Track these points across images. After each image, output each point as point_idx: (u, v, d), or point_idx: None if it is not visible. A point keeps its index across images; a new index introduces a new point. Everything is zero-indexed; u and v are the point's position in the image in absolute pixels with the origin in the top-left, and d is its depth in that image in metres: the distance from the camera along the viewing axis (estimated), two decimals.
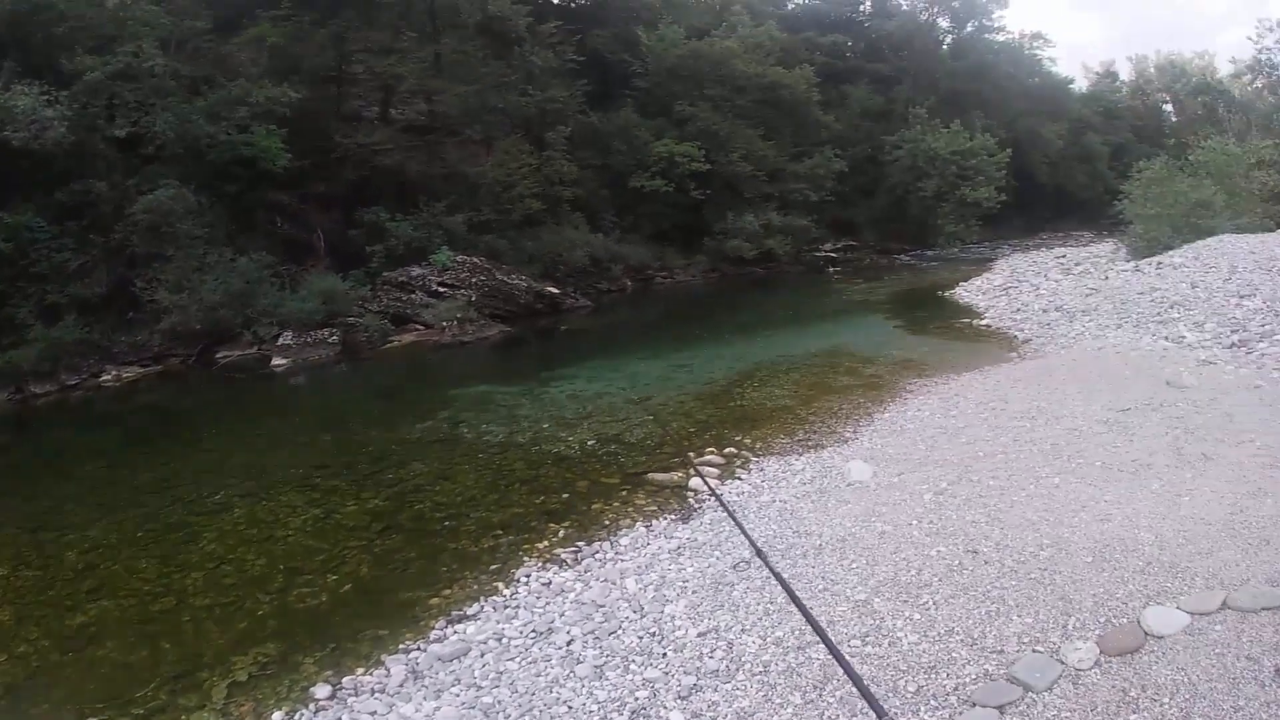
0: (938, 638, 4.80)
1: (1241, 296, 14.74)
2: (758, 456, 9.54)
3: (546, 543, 7.54)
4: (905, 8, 52.93)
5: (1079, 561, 5.46)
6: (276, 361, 18.81)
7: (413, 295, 22.16)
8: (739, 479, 8.68)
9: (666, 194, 31.74)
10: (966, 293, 24.85)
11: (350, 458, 11.09)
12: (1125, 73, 71.32)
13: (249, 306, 19.22)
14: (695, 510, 7.94)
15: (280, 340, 19.45)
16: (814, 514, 7.09)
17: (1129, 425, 8.52)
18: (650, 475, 9.23)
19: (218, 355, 19.14)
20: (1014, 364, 13.84)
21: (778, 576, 3.63)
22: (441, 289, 22.29)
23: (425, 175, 25.80)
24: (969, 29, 54.12)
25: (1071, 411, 9.47)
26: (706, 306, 28.33)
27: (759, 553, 4.17)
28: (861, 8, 53.89)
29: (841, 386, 13.22)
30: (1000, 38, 55.04)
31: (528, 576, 6.78)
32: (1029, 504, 6.64)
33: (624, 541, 7.31)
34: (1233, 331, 12.64)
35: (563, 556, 7.14)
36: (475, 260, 23.49)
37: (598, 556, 7.06)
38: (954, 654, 4.60)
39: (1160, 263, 20.82)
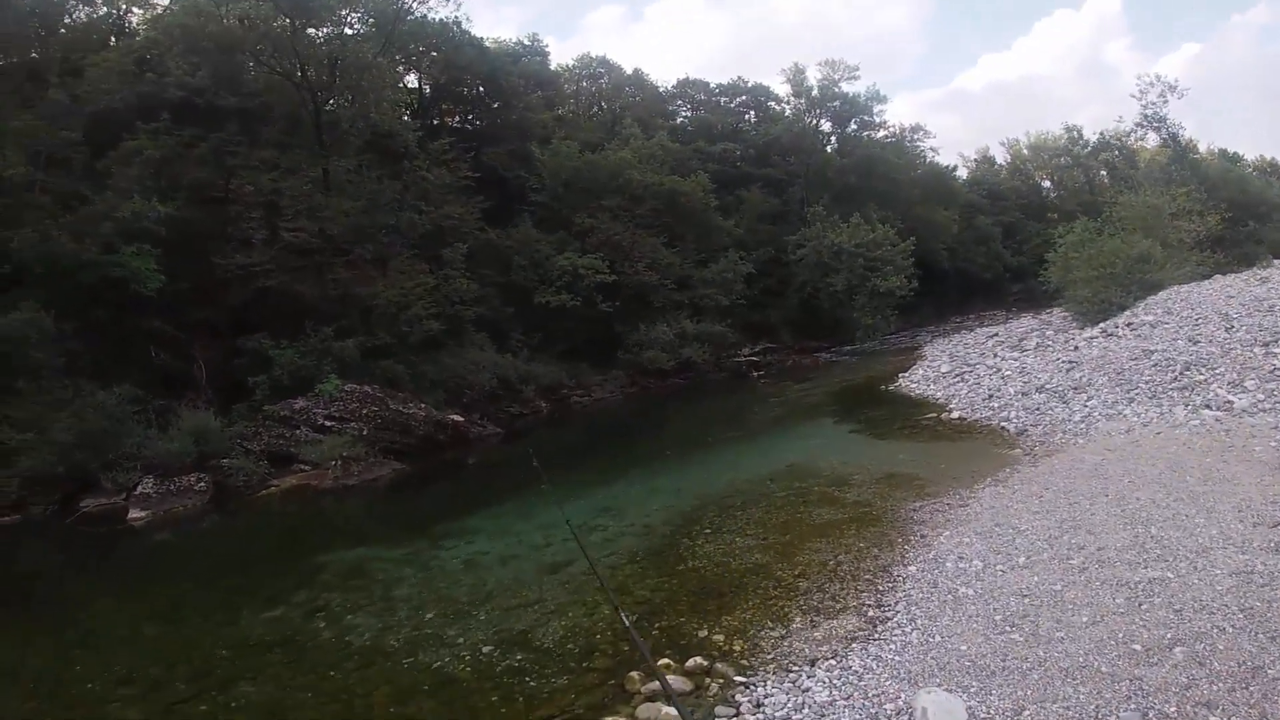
0: None
1: (1267, 345, 12.31)
2: (745, 674, 5.92)
3: None
4: (789, 114, 53.28)
5: None
6: (134, 514, 15.38)
7: (296, 431, 18.55)
8: None
9: (574, 308, 29.11)
10: (913, 383, 22.18)
11: (165, 669, 7.80)
12: (1000, 157, 73.77)
13: (110, 448, 16.21)
14: None
15: (139, 489, 16.06)
16: None
17: None
18: None
19: (81, 505, 15.71)
20: (1032, 465, 10.77)
21: None
22: (329, 423, 18.71)
23: (315, 298, 22.98)
24: (852, 127, 54.79)
25: (1206, 537, 6.30)
26: (630, 425, 25.01)
27: None
28: (747, 117, 54.30)
29: (825, 523, 9.80)
30: (881, 133, 55.85)
31: None
32: None
33: None
34: None
35: None
36: (367, 389, 20.03)
37: None
38: None
39: (1129, 324, 18.69)
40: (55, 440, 15.38)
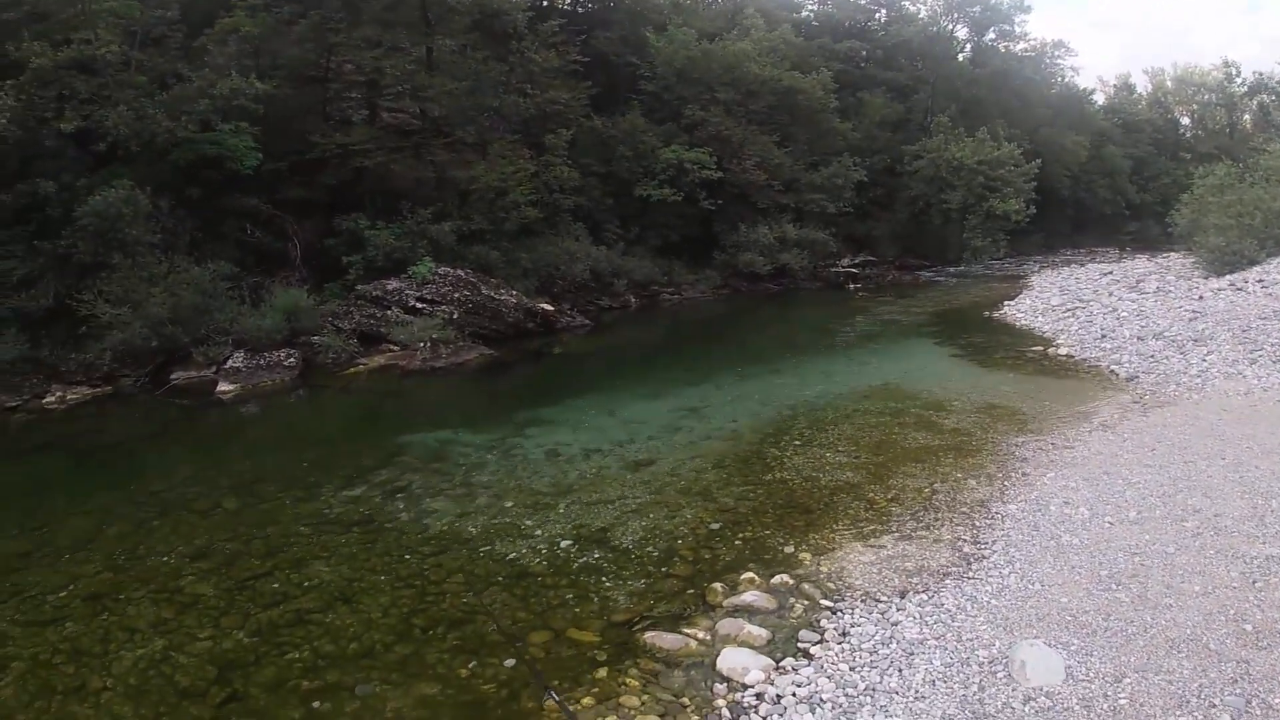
0: None
1: None
2: (830, 597, 5.88)
3: None
4: (923, 16, 50.01)
5: None
6: (222, 387, 15.91)
7: (387, 311, 18.97)
8: (809, 657, 5.05)
9: (675, 204, 28.48)
10: (1019, 314, 21.37)
11: (240, 545, 7.91)
12: (1141, 85, 68.77)
13: (203, 323, 16.80)
14: None
15: (229, 362, 16.64)
16: None
17: None
18: (649, 636, 5.62)
19: (171, 377, 16.38)
20: (1143, 415, 10.29)
21: None
22: (420, 305, 19.07)
23: (412, 180, 23.10)
24: (989, 36, 51.36)
25: None
26: (720, 327, 24.84)
27: None
28: (877, 15, 50.94)
29: (920, 448, 9.61)
30: (1020, 46, 52.21)
31: None
32: None
33: None
34: None
35: None
36: (459, 273, 20.29)
37: None
38: None
39: (1260, 280, 17.52)
40: (149, 314, 15.87)
